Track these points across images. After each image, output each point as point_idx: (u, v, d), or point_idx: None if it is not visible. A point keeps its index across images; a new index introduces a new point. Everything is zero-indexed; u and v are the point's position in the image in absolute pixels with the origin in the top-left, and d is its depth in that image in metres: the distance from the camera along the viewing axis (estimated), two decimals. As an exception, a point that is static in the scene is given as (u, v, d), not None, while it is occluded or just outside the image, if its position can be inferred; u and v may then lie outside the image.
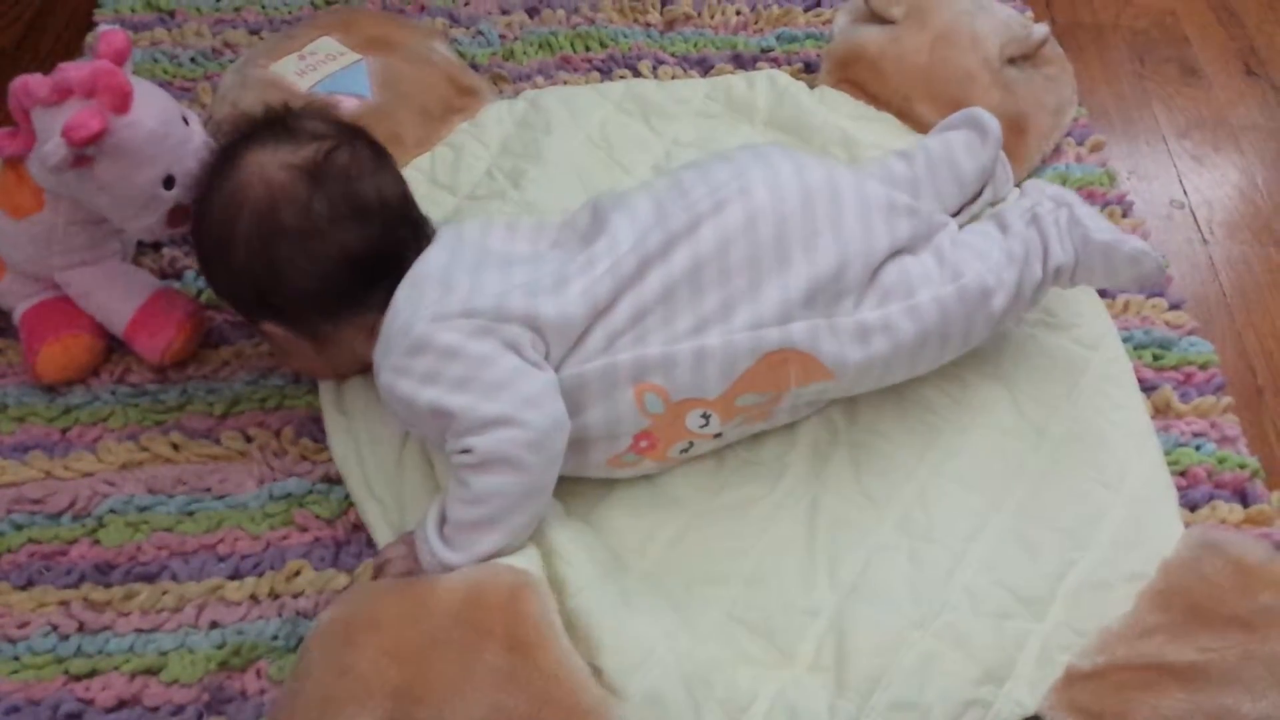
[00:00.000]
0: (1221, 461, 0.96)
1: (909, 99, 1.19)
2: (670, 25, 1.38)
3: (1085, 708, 0.80)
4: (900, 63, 1.20)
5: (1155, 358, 1.04)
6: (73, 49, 1.33)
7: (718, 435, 0.90)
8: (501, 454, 0.78)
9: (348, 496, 0.93)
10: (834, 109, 1.21)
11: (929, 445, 0.95)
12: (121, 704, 0.83)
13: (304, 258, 0.85)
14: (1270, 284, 1.15)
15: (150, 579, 0.89)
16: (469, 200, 1.14)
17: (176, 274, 1.10)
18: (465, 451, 0.79)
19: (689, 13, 1.39)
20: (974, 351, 0.95)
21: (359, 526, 0.92)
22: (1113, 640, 0.83)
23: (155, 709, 0.82)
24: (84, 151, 0.88)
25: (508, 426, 0.78)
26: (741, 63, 1.32)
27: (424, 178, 1.17)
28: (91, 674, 0.84)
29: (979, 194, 1.05)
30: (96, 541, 0.91)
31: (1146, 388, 1.01)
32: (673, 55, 1.33)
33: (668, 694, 0.77)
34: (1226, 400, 1.01)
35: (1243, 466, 0.96)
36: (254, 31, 1.36)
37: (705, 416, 0.87)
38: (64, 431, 0.98)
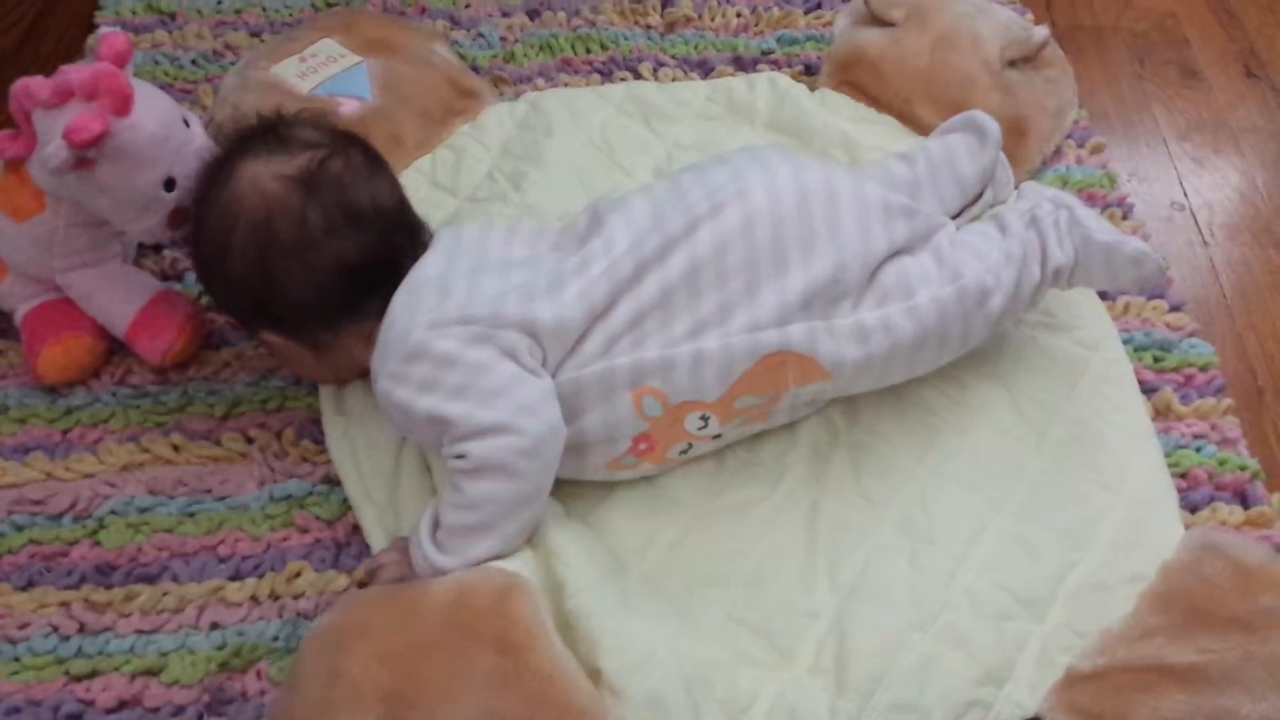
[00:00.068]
0: (1222, 463, 0.96)
1: (909, 101, 1.19)
2: (671, 27, 1.38)
3: (1085, 709, 0.80)
4: (901, 65, 1.20)
5: (1156, 359, 1.04)
6: (74, 51, 1.33)
7: (717, 436, 0.90)
8: (496, 461, 0.78)
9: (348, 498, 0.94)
10: (834, 111, 1.21)
11: (929, 447, 0.95)
12: (122, 705, 0.83)
13: (300, 268, 0.85)
14: (1270, 286, 1.15)
15: (151, 580, 0.89)
16: (470, 202, 1.14)
17: (177, 276, 1.10)
18: (460, 457, 0.79)
19: (689, 15, 1.39)
20: (973, 353, 0.95)
21: (360, 528, 0.92)
22: (1113, 642, 0.83)
23: (156, 710, 0.82)
24: (85, 154, 0.88)
25: (504, 434, 0.79)
26: (742, 65, 1.32)
27: (425, 180, 1.17)
28: (92, 675, 0.84)
29: (979, 196, 1.06)
30: (97, 543, 0.91)
31: (1147, 389, 1.01)
32: (673, 57, 1.33)
33: (668, 695, 0.77)
34: (1227, 402, 1.01)
35: (1243, 468, 0.96)
36: (255, 34, 1.36)
37: (704, 418, 0.87)
38: (65, 433, 0.98)
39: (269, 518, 0.93)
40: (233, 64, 1.27)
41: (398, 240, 0.89)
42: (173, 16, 1.38)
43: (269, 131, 0.89)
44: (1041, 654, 0.83)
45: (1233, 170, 1.27)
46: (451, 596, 0.77)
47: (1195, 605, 0.83)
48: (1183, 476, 0.96)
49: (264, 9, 1.39)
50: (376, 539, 0.90)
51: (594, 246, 0.87)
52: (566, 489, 0.88)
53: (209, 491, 0.94)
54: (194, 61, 1.32)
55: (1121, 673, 0.81)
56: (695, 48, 1.35)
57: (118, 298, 1.00)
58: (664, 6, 1.40)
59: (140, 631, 0.86)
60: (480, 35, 1.36)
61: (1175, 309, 1.09)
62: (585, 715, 0.73)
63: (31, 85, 0.90)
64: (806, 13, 1.40)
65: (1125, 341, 1.04)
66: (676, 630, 0.81)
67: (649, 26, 1.38)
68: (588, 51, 1.35)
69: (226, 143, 0.91)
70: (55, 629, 0.86)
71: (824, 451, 0.95)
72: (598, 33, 1.36)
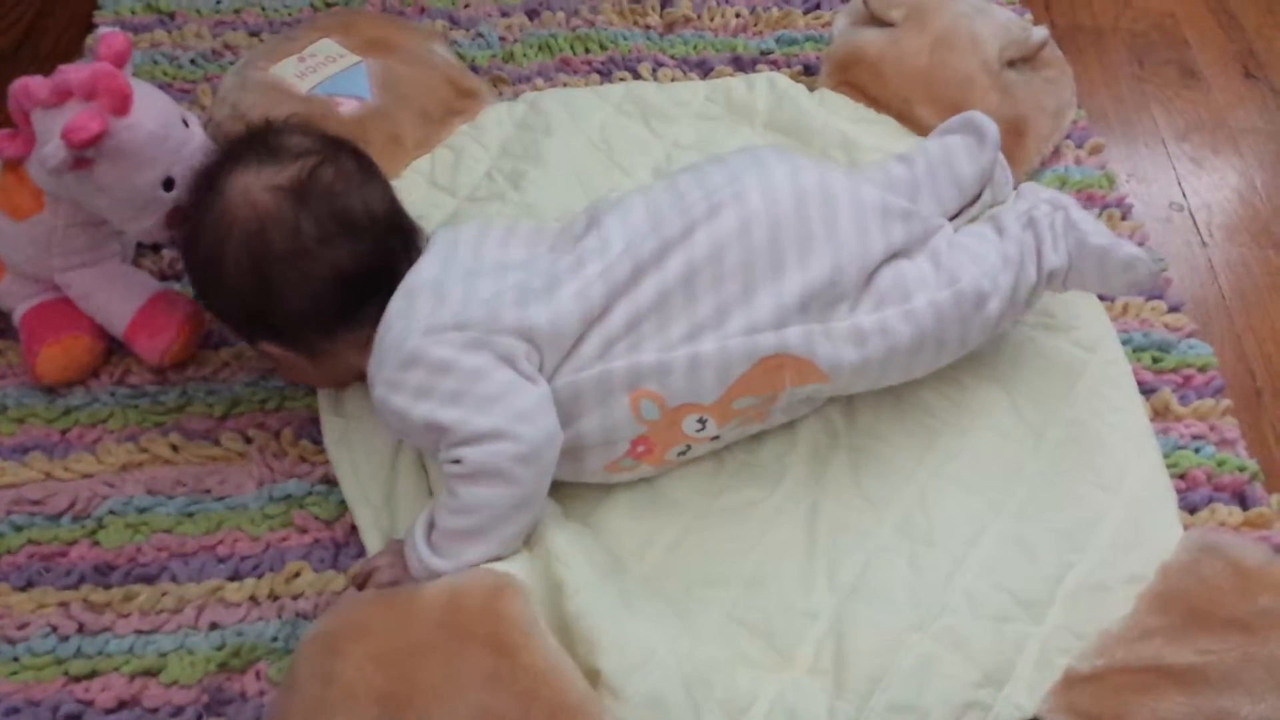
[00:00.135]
0: (1220, 464, 0.97)
1: (909, 101, 1.19)
2: (670, 28, 1.38)
3: (1084, 710, 0.80)
4: (900, 65, 1.20)
5: (1154, 360, 1.04)
6: (72, 51, 1.33)
7: (715, 438, 0.90)
8: (492, 467, 0.78)
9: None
10: (834, 111, 1.21)
11: (928, 448, 0.95)
12: (121, 705, 0.83)
13: (296, 279, 0.85)
14: (1269, 286, 1.15)
15: (150, 580, 0.89)
16: (469, 202, 1.14)
17: (176, 275, 1.10)
18: (456, 462, 0.79)
19: (689, 15, 1.39)
20: (972, 353, 0.95)
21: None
22: (1112, 643, 0.83)
23: (155, 710, 0.82)
24: (84, 153, 0.88)
25: (500, 440, 0.79)
26: (741, 65, 1.32)
27: (423, 180, 1.17)
28: (91, 675, 0.84)
29: (978, 197, 1.06)
30: (96, 543, 0.91)
31: (1145, 390, 1.01)
32: (672, 58, 1.33)
33: (668, 695, 0.77)
34: (1225, 403, 1.01)
35: (1242, 469, 0.96)
36: (254, 33, 1.36)
37: (701, 421, 0.87)
38: (64, 433, 0.98)
39: (268, 518, 0.93)
40: (231, 64, 1.27)
41: (392, 246, 0.89)
42: (171, 16, 1.38)
43: (258, 140, 0.88)
44: (1040, 655, 0.83)
45: (1231, 171, 1.27)
46: (444, 598, 0.77)
47: (1194, 606, 0.83)
48: (1181, 477, 0.96)
49: (263, 9, 1.39)
50: (371, 539, 0.90)
51: (588, 244, 0.87)
52: (565, 490, 0.88)
53: (208, 491, 0.94)
54: (193, 61, 1.32)
55: (1120, 674, 0.81)
56: (694, 48, 1.35)
57: (116, 297, 1.00)
58: (663, 6, 1.40)
59: (139, 632, 0.86)
60: (479, 35, 1.36)
61: (1174, 309, 1.09)
62: (579, 712, 0.73)
63: (30, 85, 0.90)
64: (805, 13, 1.40)
65: (1124, 342, 1.04)
66: (676, 631, 0.81)
67: (648, 26, 1.38)
68: (587, 51, 1.34)
69: (216, 154, 0.90)
70: (54, 629, 0.86)
71: (823, 453, 0.95)
72: (597, 33, 1.36)
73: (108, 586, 0.89)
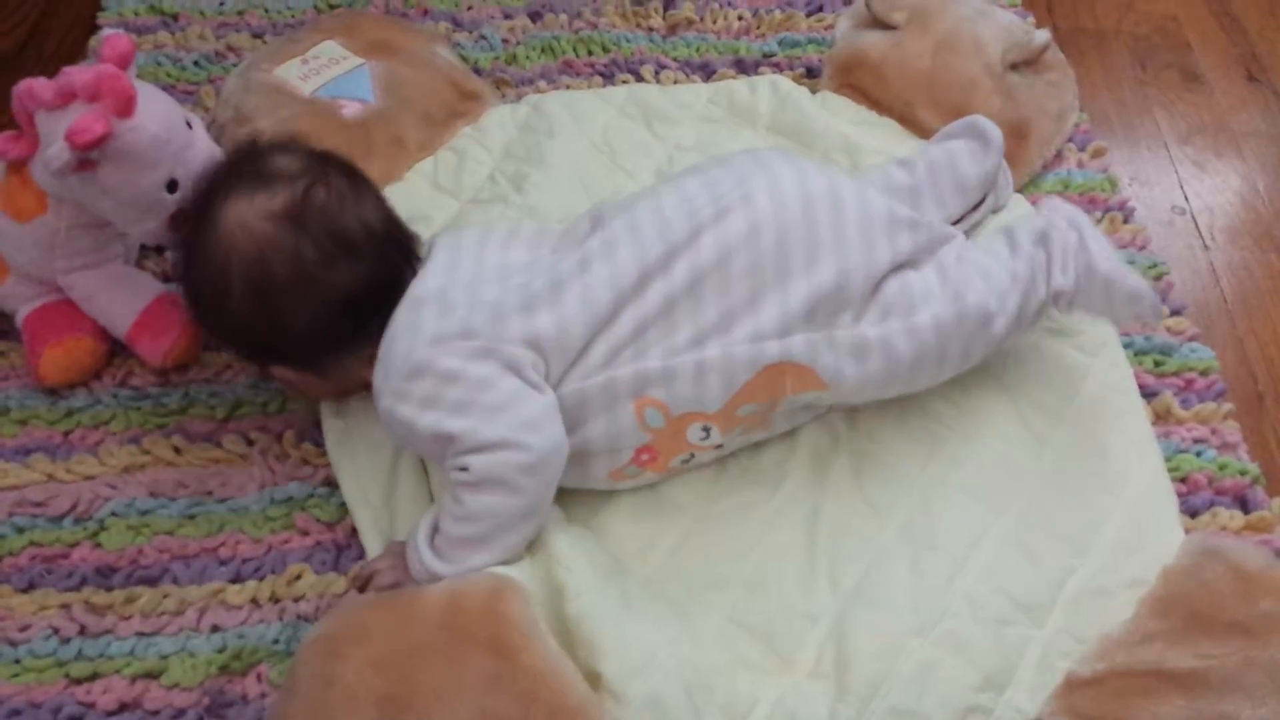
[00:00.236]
0: (1222, 468, 0.96)
1: (911, 104, 1.19)
2: (673, 30, 1.38)
3: (1085, 714, 0.80)
4: (902, 68, 1.20)
5: (1156, 364, 1.04)
6: (76, 53, 1.33)
7: (719, 446, 0.90)
8: (498, 475, 0.79)
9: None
10: (836, 114, 1.21)
11: (930, 453, 0.95)
12: (122, 707, 0.83)
13: (302, 304, 0.84)
14: (1271, 290, 1.15)
15: (151, 582, 0.89)
16: (471, 204, 1.14)
17: (179, 277, 1.10)
18: (463, 470, 0.79)
19: (691, 18, 1.39)
20: (975, 358, 0.95)
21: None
22: (1113, 647, 0.83)
23: (156, 712, 0.82)
24: (87, 155, 0.88)
25: (506, 449, 0.79)
26: (744, 68, 1.32)
27: (426, 182, 1.17)
28: (92, 677, 0.84)
29: (980, 202, 1.06)
30: (98, 545, 0.91)
31: (1147, 394, 1.01)
32: (675, 60, 1.33)
33: (668, 699, 0.77)
34: (1227, 406, 1.01)
35: (1243, 473, 0.96)
36: (257, 35, 1.36)
37: (706, 429, 0.87)
38: (66, 434, 0.98)
39: (269, 520, 0.93)
40: (235, 66, 1.27)
41: (393, 259, 0.89)
42: (175, 18, 1.38)
43: (245, 166, 0.87)
44: (1041, 659, 0.83)
45: (1234, 174, 1.27)
46: (445, 600, 0.77)
47: (1195, 610, 0.83)
48: (1183, 481, 0.96)
49: (266, 11, 1.39)
50: (371, 541, 0.90)
51: (593, 246, 0.86)
52: (567, 493, 0.88)
53: (210, 494, 0.95)
54: (196, 63, 1.32)
55: (1122, 678, 0.81)
56: (697, 50, 1.35)
57: (119, 299, 1.01)
58: (666, 9, 1.40)
59: (141, 634, 0.86)
60: (482, 37, 1.36)
61: (1176, 313, 1.09)
62: (579, 714, 0.73)
63: (34, 87, 0.90)
64: (808, 15, 1.40)
65: (1126, 346, 1.04)
66: (677, 634, 0.81)
67: (651, 29, 1.38)
68: (589, 54, 1.35)
69: (204, 184, 0.89)
70: (56, 631, 0.86)
71: (825, 456, 0.95)
72: (599, 35, 1.36)
73: (109, 588, 0.89)
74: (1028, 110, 1.19)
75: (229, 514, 0.93)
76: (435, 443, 0.81)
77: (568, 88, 1.29)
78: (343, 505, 0.93)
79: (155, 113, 0.91)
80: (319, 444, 0.97)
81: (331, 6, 1.40)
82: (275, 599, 0.88)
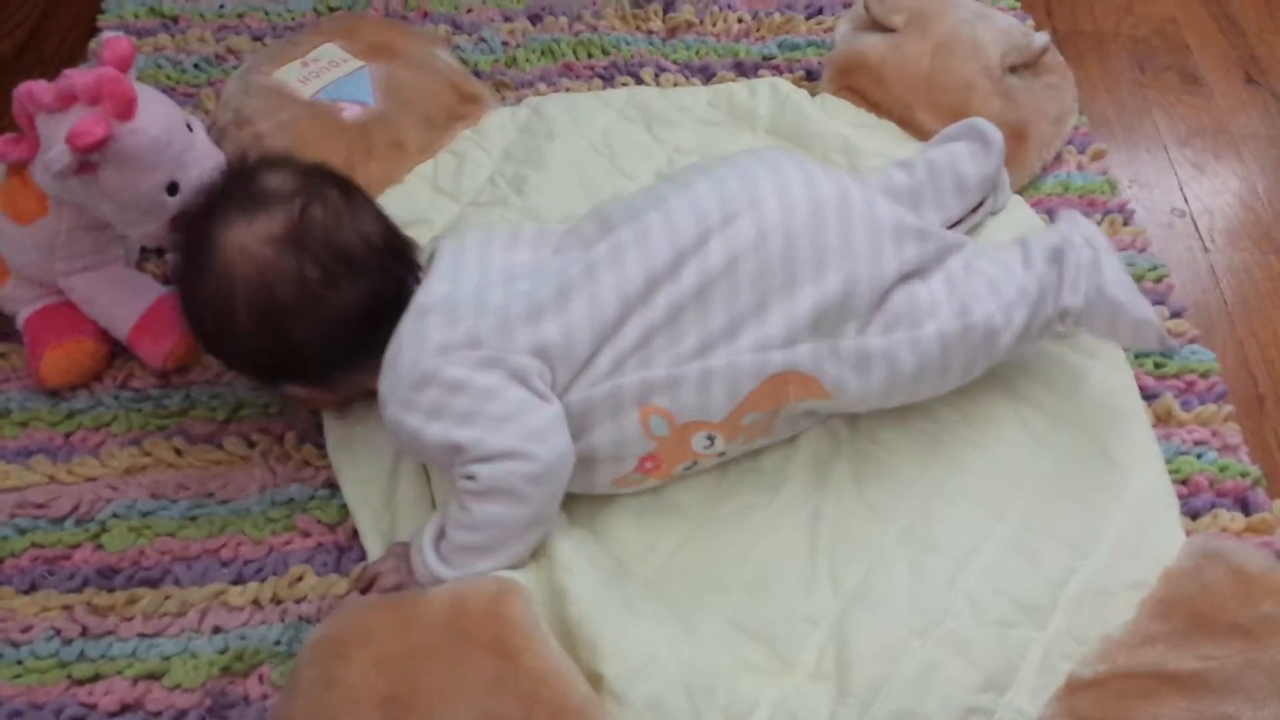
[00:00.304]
0: (1223, 470, 0.97)
1: (910, 107, 1.19)
2: (672, 33, 1.38)
3: (1087, 716, 0.80)
4: (901, 71, 1.20)
5: (1156, 366, 1.04)
6: (77, 55, 1.33)
7: (721, 454, 0.90)
8: (505, 485, 0.79)
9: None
10: (835, 116, 1.21)
11: (932, 455, 0.95)
12: (124, 708, 0.83)
13: (309, 325, 0.84)
14: (1271, 292, 1.15)
15: (153, 584, 0.89)
16: (472, 207, 1.14)
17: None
18: (470, 478, 0.79)
19: (691, 20, 1.39)
20: (977, 361, 0.95)
21: (361, 532, 0.92)
22: (1114, 648, 0.83)
23: (158, 714, 0.82)
24: (88, 158, 0.88)
25: (513, 459, 0.79)
26: (743, 70, 1.32)
27: (427, 185, 1.17)
28: (94, 678, 0.84)
29: (980, 204, 1.06)
30: (100, 546, 0.91)
31: (1148, 396, 1.01)
32: (675, 63, 1.33)
33: (669, 701, 0.77)
34: (1228, 409, 1.01)
35: (1244, 475, 0.96)
36: (257, 38, 1.36)
37: (710, 438, 0.87)
38: (67, 436, 0.99)
39: (271, 521, 0.93)
40: (235, 68, 1.27)
41: (395, 271, 0.88)
42: (175, 20, 1.38)
43: (239, 188, 0.86)
44: (1043, 661, 0.83)
45: (1233, 176, 1.27)
46: (448, 602, 0.77)
47: (1196, 612, 0.83)
48: (1184, 483, 0.96)
49: (266, 13, 1.39)
50: (372, 542, 0.90)
51: (599, 251, 0.85)
52: (569, 497, 0.88)
53: (211, 495, 0.95)
54: (196, 65, 1.32)
55: (1123, 679, 0.81)
56: (697, 53, 1.35)
57: (120, 301, 1.01)
58: (666, 12, 1.40)
59: (142, 635, 0.86)
60: (482, 40, 1.36)
61: (1176, 315, 1.09)
62: (581, 715, 0.74)
63: (35, 89, 0.90)
64: (808, 18, 1.40)
65: (1126, 348, 1.04)
66: (678, 636, 0.81)
67: (650, 32, 1.38)
68: (589, 56, 1.35)
69: (199, 209, 0.87)
70: (58, 632, 0.86)
71: (826, 459, 0.95)
72: (599, 38, 1.36)
73: (111, 590, 0.89)
74: (1027, 113, 1.19)
75: (230, 515, 0.93)
76: (442, 452, 0.81)
77: (567, 90, 1.29)
78: (344, 507, 0.93)
79: (156, 115, 0.91)
80: (320, 446, 0.97)
81: (331, 9, 1.40)
82: (277, 600, 0.88)
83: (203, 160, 0.93)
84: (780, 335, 0.84)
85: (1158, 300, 1.09)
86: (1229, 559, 0.86)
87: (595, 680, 0.77)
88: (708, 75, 1.32)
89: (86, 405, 1.00)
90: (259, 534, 0.92)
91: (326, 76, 1.19)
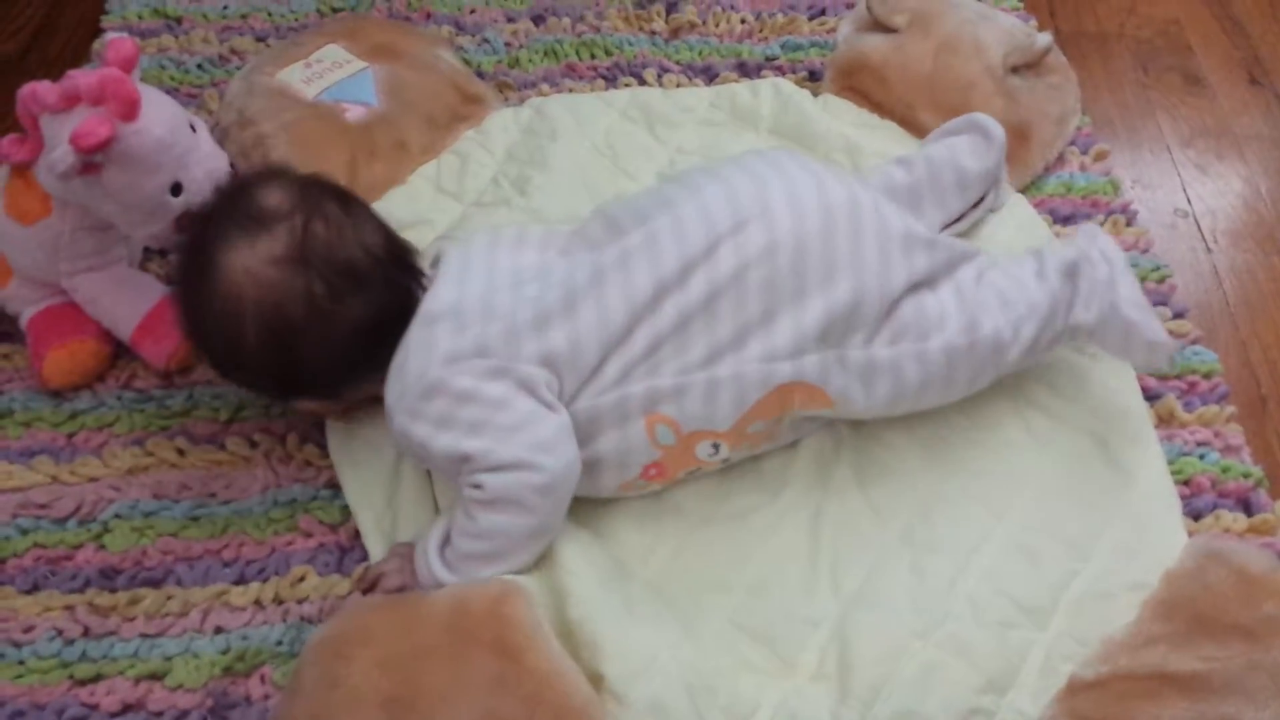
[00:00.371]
0: (1225, 471, 0.96)
1: (912, 107, 1.19)
2: (675, 33, 1.38)
3: (1088, 717, 0.80)
4: (904, 71, 1.20)
5: (1158, 366, 1.04)
6: (80, 56, 1.33)
7: (725, 460, 0.90)
8: (513, 495, 0.79)
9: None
10: (837, 117, 1.21)
11: (933, 456, 0.94)
12: (126, 709, 0.83)
13: (319, 342, 0.83)
14: (1274, 293, 1.15)
15: (155, 584, 0.90)
16: (475, 208, 1.15)
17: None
18: (477, 487, 0.79)
19: (694, 21, 1.39)
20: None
21: (362, 533, 0.92)
22: (1115, 650, 0.83)
23: (159, 714, 0.83)
24: (92, 158, 0.88)
25: (521, 470, 0.79)
26: (746, 71, 1.32)
27: (430, 185, 1.17)
28: (96, 679, 0.84)
29: (980, 200, 1.05)
30: (102, 546, 0.91)
31: (1150, 397, 1.01)
32: (677, 63, 1.33)
33: (670, 702, 0.77)
34: (1230, 409, 1.01)
35: (1246, 476, 0.96)
36: (261, 39, 1.36)
37: (715, 446, 0.87)
38: (70, 436, 0.99)
39: (273, 522, 0.93)
40: (238, 69, 1.28)
41: (401, 281, 0.88)
42: (179, 21, 1.38)
43: (237, 208, 0.84)
44: (1044, 662, 0.83)
45: (1236, 177, 1.27)
46: (450, 603, 0.78)
47: (1198, 613, 0.83)
48: (1186, 484, 0.96)
49: (269, 14, 1.40)
50: (374, 543, 0.91)
51: (607, 257, 0.85)
52: (572, 499, 0.88)
53: (213, 496, 0.95)
54: (200, 66, 1.32)
55: (1124, 681, 0.81)
56: (699, 54, 1.35)
57: (123, 302, 1.01)
58: (668, 12, 1.40)
59: (144, 635, 0.87)
60: (485, 41, 1.36)
61: (1178, 316, 1.09)
62: (583, 716, 0.74)
63: (39, 90, 0.90)
64: (810, 19, 1.40)
65: (1128, 348, 1.04)
66: (679, 636, 0.81)
67: (653, 32, 1.38)
68: (592, 57, 1.35)
69: (198, 231, 0.86)
70: (60, 633, 0.86)
71: (827, 460, 0.95)
72: (602, 38, 1.36)
73: (113, 590, 0.89)
74: (1029, 113, 1.19)
75: (232, 516, 0.93)
76: (450, 461, 0.81)
77: (570, 91, 1.29)
78: (346, 507, 0.93)
79: (159, 116, 0.91)
80: (322, 446, 0.97)
81: (335, 10, 1.40)
82: (279, 600, 0.89)
83: (206, 161, 0.94)
84: (788, 346, 0.83)
85: (1160, 301, 1.09)
86: (1231, 560, 0.86)
87: (597, 681, 0.77)
88: (710, 76, 1.32)
89: (89, 406, 1.00)
90: (261, 534, 0.92)
91: (330, 77, 1.19)
